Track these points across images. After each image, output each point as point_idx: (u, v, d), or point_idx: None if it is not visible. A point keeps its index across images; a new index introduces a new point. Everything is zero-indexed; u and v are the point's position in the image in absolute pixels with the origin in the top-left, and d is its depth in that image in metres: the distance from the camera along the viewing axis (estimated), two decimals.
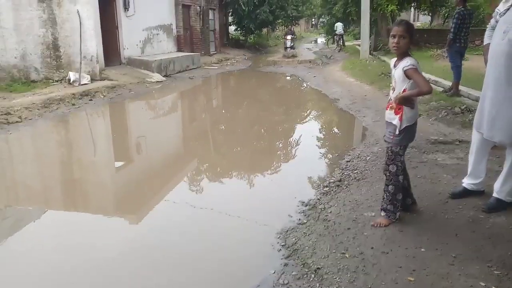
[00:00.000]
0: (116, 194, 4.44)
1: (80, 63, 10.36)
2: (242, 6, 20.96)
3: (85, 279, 2.73)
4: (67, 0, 10.38)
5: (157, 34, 14.59)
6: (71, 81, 10.08)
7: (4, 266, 2.94)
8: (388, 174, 3.03)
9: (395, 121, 2.92)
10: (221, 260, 2.93)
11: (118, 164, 5.55)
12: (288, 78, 13.88)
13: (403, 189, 3.09)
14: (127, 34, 12.63)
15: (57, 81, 10.57)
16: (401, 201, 3.06)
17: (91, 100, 8.92)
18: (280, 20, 26.30)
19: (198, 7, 18.19)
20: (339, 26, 22.65)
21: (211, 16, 20.02)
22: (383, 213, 3.10)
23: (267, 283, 2.54)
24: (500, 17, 3.08)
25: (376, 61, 13.93)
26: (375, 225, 3.05)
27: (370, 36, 18.83)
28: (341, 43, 22.83)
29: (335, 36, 23.53)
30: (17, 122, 6.75)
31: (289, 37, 19.11)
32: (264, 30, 28.35)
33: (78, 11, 10.33)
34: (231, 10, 22.89)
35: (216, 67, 16.24)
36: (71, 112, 7.88)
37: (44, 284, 2.73)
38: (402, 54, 2.89)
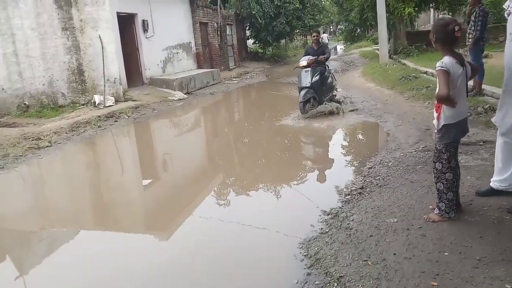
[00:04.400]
0: (145, 212, 4.56)
1: (104, 86, 10.71)
2: (259, 19, 21.22)
3: None
4: (89, 26, 10.80)
5: (177, 53, 14.93)
6: (96, 104, 10.43)
7: (40, 286, 3.07)
8: (435, 171, 3.09)
9: (434, 119, 3.02)
10: (245, 273, 2.97)
11: (146, 182, 5.70)
12: None
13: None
14: (148, 55, 12.98)
15: (83, 104, 10.96)
16: (453, 201, 3.05)
17: (116, 121, 9.19)
18: (297, 31, 26.45)
19: (215, 24, 18.54)
20: (324, 37, 28.12)
21: (228, 32, 20.34)
22: (436, 210, 3.12)
23: None
24: (508, 16, 3.04)
25: (396, 65, 13.80)
26: (426, 219, 3.13)
27: (389, 40, 18.71)
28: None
29: None
30: (47, 146, 7.03)
31: (304, 61, 7.80)
32: (282, 41, 28.55)
33: (99, 36, 10.73)
34: (248, 24, 23.21)
35: (236, 81, 16.44)
36: (98, 134, 8.15)
37: None
38: (442, 53, 2.93)
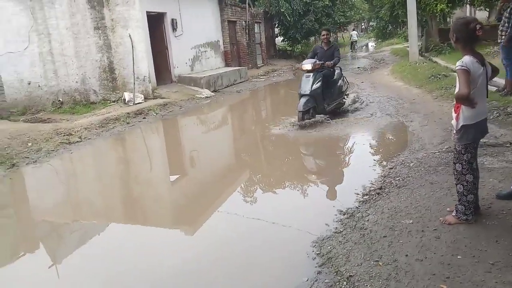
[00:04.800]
0: (171, 207, 4.70)
1: (134, 83, 11.01)
2: (287, 17, 21.17)
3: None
4: (119, 26, 11.12)
5: (205, 51, 15.13)
6: (126, 101, 10.74)
7: (71, 277, 3.23)
8: (455, 173, 3.05)
9: (453, 119, 2.99)
10: (258, 270, 3.03)
11: (173, 178, 5.86)
12: None
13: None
14: (177, 53, 13.22)
15: (113, 101, 11.30)
16: (473, 203, 3.01)
17: (144, 118, 9.43)
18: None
19: (243, 22, 18.65)
20: (353, 35, 32.37)
21: (256, 30, 20.41)
22: (454, 212, 3.09)
23: None
24: None
25: (426, 63, 13.48)
26: (442, 221, 3.10)
27: (421, 37, 18.24)
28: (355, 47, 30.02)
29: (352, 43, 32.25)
30: (77, 142, 7.32)
31: (308, 64, 7.14)
32: (312, 38, 28.37)
33: (130, 35, 11.02)
34: (276, 21, 23.19)
35: (263, 79, 16.50)
36: (126, 130, 8.40)
37: None
38: (462, 53, 2.90)
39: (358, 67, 17.26)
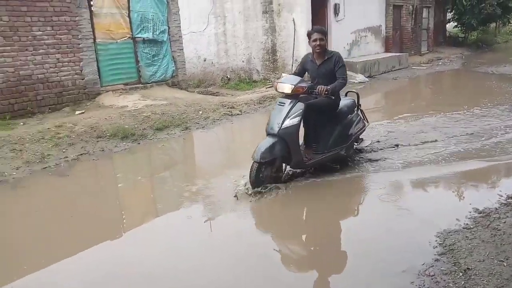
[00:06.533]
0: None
1: (292, 65, 11.71)
2: (463, 1, 19.25)
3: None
4: (285, 10, 11.88)
5: (365, 36, 14.98)
6: None
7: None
8: None
9: None
10: (382, 248, 3.22)
11: None
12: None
13: None
14: (336, 38, 13.44)
15: (272, 81, 12.24)
16: None
17: None
18: None
19: (410, 6, 17.69)
20: None
21: (424, 14, 19.12)
22: None
23: (412, 270, 2.76)
24: None
25: None
26: None
27: None
28: None
29: None
30: (238, 114, 8.32)
31: (287, 85, 4.26)
32: (492, 25, 25.12)
33: (293, 20, 11.70)
34: (449, 6, 21.27)
35: (425, 68, 15.57)
36: None
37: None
38: None
39: None
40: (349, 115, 4.92)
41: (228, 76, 13.23)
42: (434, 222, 3.44)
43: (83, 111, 7.68)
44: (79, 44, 7.94)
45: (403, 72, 14.41)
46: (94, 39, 8.21)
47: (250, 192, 4.11)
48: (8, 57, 7.01)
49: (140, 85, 9.18)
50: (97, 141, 6.25)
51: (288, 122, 4.13)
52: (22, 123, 6.86)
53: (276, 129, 4.13)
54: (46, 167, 5.30)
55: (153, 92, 9.13)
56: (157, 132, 6.88)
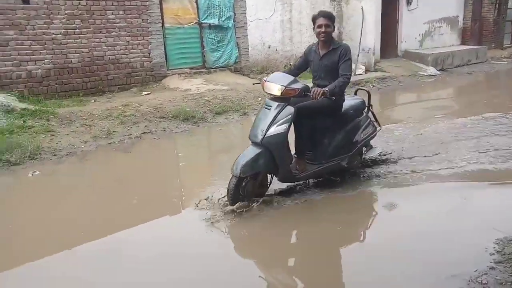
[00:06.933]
0: None
1: (358, 55, 11.35)
2: None
3: None
4: None
5: (440, 27, 14.12)
6: None
7: None
8: None
9: None
10: (436, 249, 3.07)
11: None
12: None
13: None
14: (407, 28, 12.84)
15: None
16: None
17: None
18: None
19: None
20: None
21: (510, 4, 17.56)
22: None
23: (463, 276, 2.61)
24: None
25: None
26: None
27: None
28: None
29: None
30: None
31: (276, 85, 3.59)
32: None
33: (362, 8, 11.29)
34: None
35: (506, 62, 14.41)
36: None
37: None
38: None
39: None
40: (356, 118, 4.19)
41: (291, 64, 13.12)
42: (496, 227, 3.20)
43: (149, 92, 8.05)
44: (148, 28, 8.29)
45: (480, 66, 13.44)
46: (163, 23, 8.53)
47: (227, 210, 3.53)
48: (84, 38, 7.51)
49: (204, 69, 9.43)
50: (160, 121, 6.54)
51: (274, 130, 3.52)
52: (93, 100, 7.35)
53: (259, 137, 3.54)
54: (111, 143, 5.66)
55: (216, 77, 9.33)
56: (216, 116, 7.05)
